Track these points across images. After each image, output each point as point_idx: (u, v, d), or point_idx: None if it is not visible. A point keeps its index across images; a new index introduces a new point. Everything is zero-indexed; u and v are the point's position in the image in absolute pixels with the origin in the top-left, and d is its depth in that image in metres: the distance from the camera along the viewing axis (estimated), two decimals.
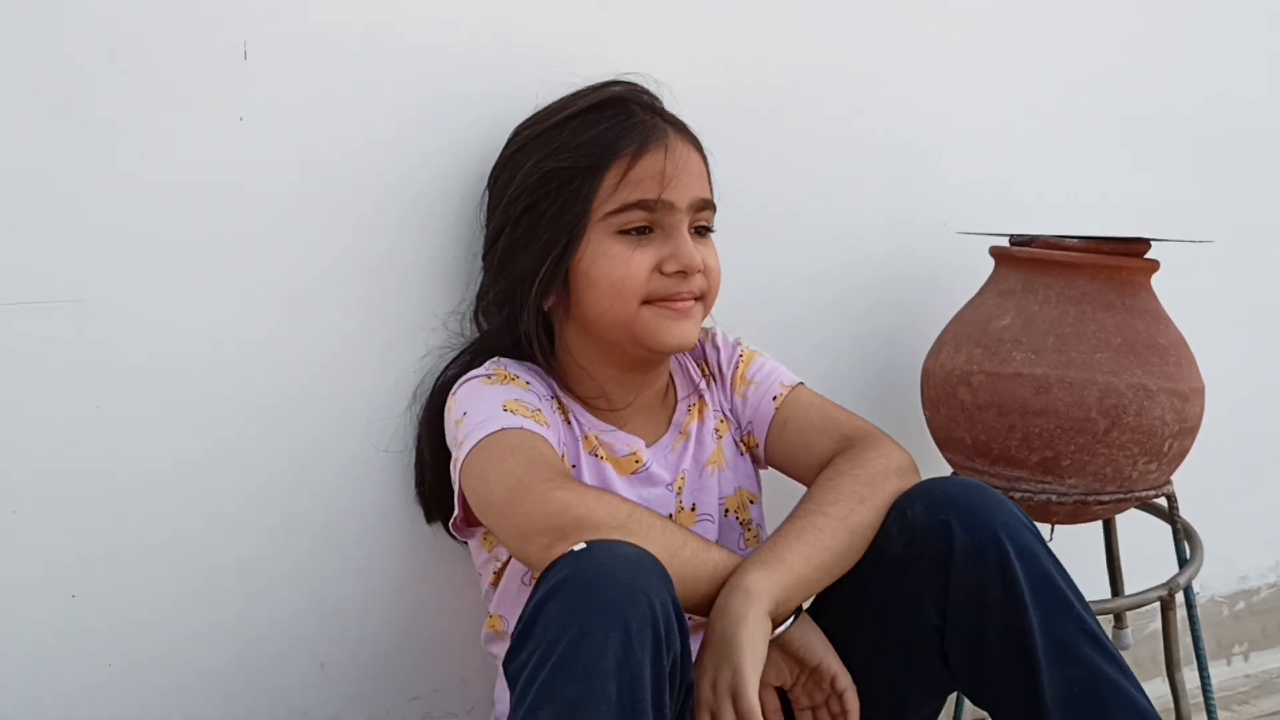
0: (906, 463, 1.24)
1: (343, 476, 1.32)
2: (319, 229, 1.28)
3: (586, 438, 1.27)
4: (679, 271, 1.21)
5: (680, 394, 1.35)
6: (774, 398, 1.35)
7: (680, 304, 1.23)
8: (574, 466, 1.24)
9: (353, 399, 1.32)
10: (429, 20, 1.31)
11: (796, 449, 1.32)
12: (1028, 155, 1.75)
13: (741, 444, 1.37)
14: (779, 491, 1.39)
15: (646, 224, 1.22)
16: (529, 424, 1.16)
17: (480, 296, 1.33)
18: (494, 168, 1.30)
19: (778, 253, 1.56)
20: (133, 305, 1.21)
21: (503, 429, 1.14)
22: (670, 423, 1.33)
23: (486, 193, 1.31)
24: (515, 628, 0.99)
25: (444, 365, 1.34)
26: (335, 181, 1.28)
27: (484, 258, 1.31)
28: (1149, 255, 1.46)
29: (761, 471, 1.40)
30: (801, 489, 1.27)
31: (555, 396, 1.27)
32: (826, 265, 1.61)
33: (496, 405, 1.17)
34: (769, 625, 1.08)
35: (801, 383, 1.37)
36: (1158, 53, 1.85)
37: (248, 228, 1.25)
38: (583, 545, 1.00)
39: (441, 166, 1.33)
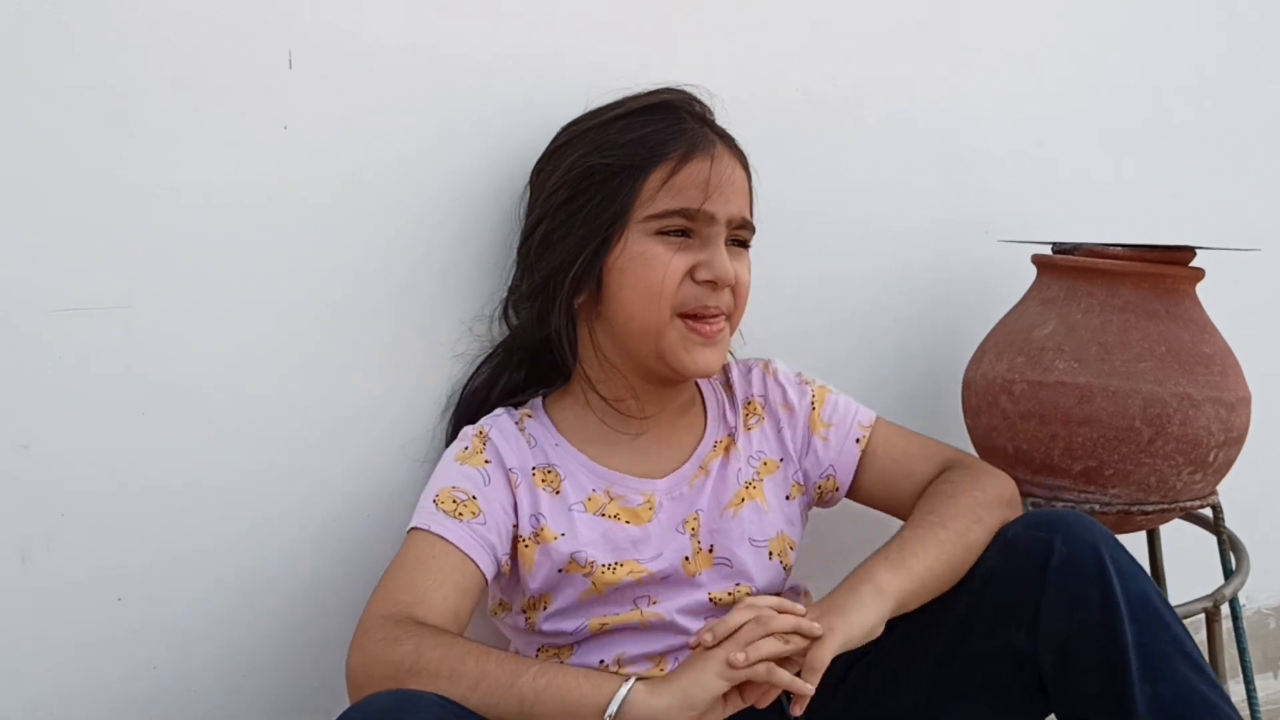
0: (1016, 494, 1.27)
1: (382, 483, 1.33)
2: (362, 238, 1.29)
3: (591, 499, 1.24)
4: (709, 281, 1.20)
5: (710, 428, 1.33)
6: (857, 440, 1.34)
7: (708, 327, 1.22)
8: (562, 535, 1.22)
9: (392, 407, 1.33)
10: (473, 32, 1.32)
11: (894, 477, 1.33)
12: (1072, 162, 1.74)
13: (796, 487, 1.33)
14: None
15: (685, 230, 1.21)
16: (440, 526, 1.16)
17: (512, 290, 1.33)
18: (538, 162, 1.30)
19: (819, 258, 1.56)
20: (179, 312, 1.22)
21: (415, 529, 1.18)
22: (693, 455, 1.30)
23: (528, 188, 1.31)
24: None
25: (471, 372, 1.35)
26: (378, 191, 1.29)
27: (519, 250, 1.30)
28: (1194, 263, 1.44)
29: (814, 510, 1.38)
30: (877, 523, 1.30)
31: (550, 466, 1.25)
32: (869, 272, 1.61)
33: (431, 494, 1.20)
34: (882, 626, 1.12)
35: (878, 416, 1.36)
36: (1204, 60, 1.84)
37: (292, 236, 1.26)
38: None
39: (482, 177, 1.34)
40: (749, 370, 1.37)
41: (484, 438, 1.25)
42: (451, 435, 1.32)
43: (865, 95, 1.58)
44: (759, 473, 1.32)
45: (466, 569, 1.16)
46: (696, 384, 1.35)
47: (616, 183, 1.21)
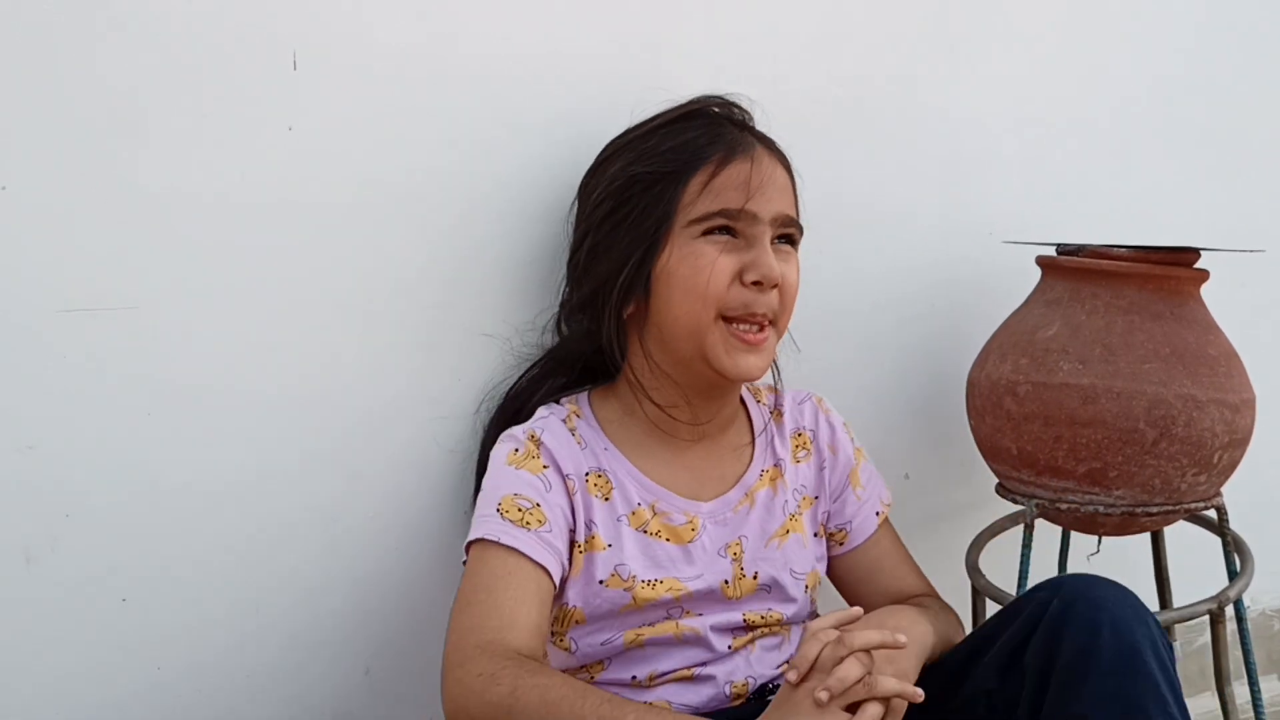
0: None
1: (389, 482, 1.34)
2: (372, 239, 1.29)
3: (635, 512, 1.25)
4: (756, 282, 1.20)
5: (757, 456, 1.33)
6: (877, 513, 1.38)
7: (752, 335, 1.21)
8: (610, 546, 1.22)
9: (402, 410, 1.33)
10: (478, 37, 1.32)
11: (885, 568, 1.37)
12: (1077, 163, 1.74)
13: (822, 527, 1.36)
14: None
15: (730, 230, 1.21)
16: (509, 537, 1.16)
17: (563, 305, 1.34)
18: (584, 177, 1.31)
19: (822, 259, 1.56)
20: (184, 313, 1.22)
21: (483, 539, 1.17)
22: (739, 482, 1.31)
23: (575, 203, 1.32)
24: None
25: (518, 375, 1.35)
26: (387, 192, 1.29)
27: (568, 264, 1.31)
28: (1198, 265, 1.44)
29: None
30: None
31: (601, 470, 1.25)
32: (872, 272, 1.61)
33: (495, 500, 1.19)
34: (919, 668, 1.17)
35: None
36: (1210, 61, 1.84)
37: (297, 237, 1.26)
38: None
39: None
40: (801, 401, 1.39)
41: (536, 441, 1.24)
42: (490, 434, 1.32)
43: (868, 97, 1.58)
44: (800, 506, 1.33)
45: (542, 581, 1.17)
46: (745, 405, 1.36)
47: (658, 189, 1.22)
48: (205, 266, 1.23)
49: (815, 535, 1.34)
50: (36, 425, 1.18)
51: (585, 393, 1.33)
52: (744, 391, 1.37)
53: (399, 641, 1.37)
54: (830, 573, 1.39)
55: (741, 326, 1.21)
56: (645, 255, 1.21)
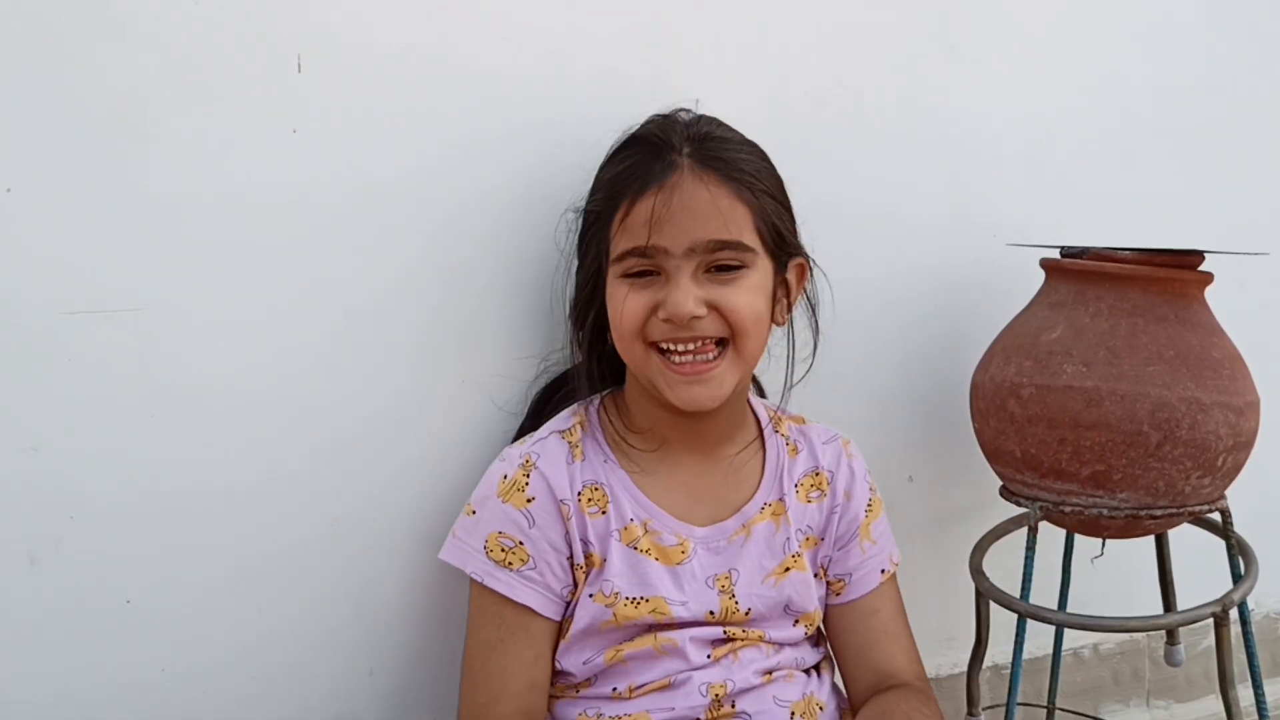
0: None
1: (392, 483, 1.34)
2: (376, 241, 1.29)
3: (627, 528, 1.24)
4: (668, 320, 1.18)
5: (763, 488, 1.31)
6: (882, 570, 1.35)
7: (687, 366, 1.19)
8: (604, 560, 1.23)
9: (404, 411, 1.33)
10: (479, 38, 1.32)
11: (872, 644, 1.33)
12: (1080, 165, 1.74)
13: (822, 570, 1.34)
14: None
15: (648, 269, 1.19)
16: (492, 579, 1.22)
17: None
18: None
19: (825, 262, 1.55)
20: (190, 314, 1.22)
21: (472, 577, 1.23)
22: (737, 512, 1.29)
23: None
24: None
25: (561, 371, 1.37)
26: (392, 194, 1.30)
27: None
28: (1202, 267, 1.44)
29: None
30: None
31: (598, 484, 1.25)
32: (876, 275, 1.61)
33: (481, 536, 1.23)
34: None
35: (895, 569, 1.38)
36: (1214, 63, 1.83)
37: (303, 239, 1.26)
38: None
39: (500, 183, 1.35)
40: (828, 441, 1.37)
41: (528, 467, 1.24)
42: (539, 402, 1.36)
43: (871, 98, 1.57)
44: (803, 546, 1.31)
45: (532, 627, 1.22)
46: (760, 435, 1.34)
47: (596, 229, 1.25)
48: (210, 268, 1.23)
49: (815, 576, 1.33)
50: (41, 426, 1.18)
51: (597, 400, 1.32)
52: (763, 418, 1.36)
53: (402, 643, 1.37)
54: (825, 622, 1.37)
55: (677, 358, 1.20)
56: (593, 293, 1.25)
